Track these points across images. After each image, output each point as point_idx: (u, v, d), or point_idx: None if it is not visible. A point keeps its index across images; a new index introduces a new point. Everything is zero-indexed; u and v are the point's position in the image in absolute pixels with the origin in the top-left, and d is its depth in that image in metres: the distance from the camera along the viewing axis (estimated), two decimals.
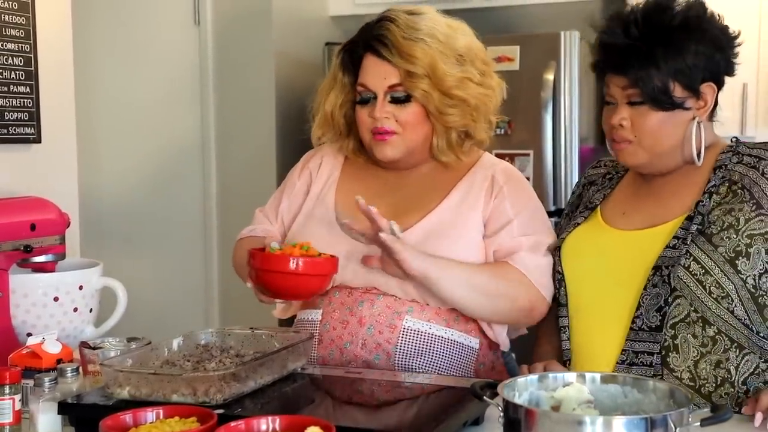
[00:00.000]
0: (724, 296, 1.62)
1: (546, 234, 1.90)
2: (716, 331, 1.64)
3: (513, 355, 2.03)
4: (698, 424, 1.22)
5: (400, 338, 1.81)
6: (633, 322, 1.68)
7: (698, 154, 1.71)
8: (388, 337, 1.81)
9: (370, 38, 1.85)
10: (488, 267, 1.84)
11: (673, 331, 1.65)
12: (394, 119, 1.84)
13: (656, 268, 1.67)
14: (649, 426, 1.17)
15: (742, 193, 1.67)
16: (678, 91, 1.67)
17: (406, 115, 1.84)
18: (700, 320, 1.64)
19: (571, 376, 1.39)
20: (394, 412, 1.59)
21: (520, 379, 1.37)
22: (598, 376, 1.38)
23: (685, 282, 1.63)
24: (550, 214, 3.63)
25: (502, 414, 1.26)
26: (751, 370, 1.64)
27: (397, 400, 1.63)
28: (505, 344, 1.92)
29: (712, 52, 1.69)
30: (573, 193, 2.02)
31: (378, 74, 1.84)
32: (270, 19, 3.90)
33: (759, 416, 1.49)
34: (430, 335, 1.83)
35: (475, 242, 1.86)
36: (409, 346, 1.82)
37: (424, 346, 1.82)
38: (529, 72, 3.66)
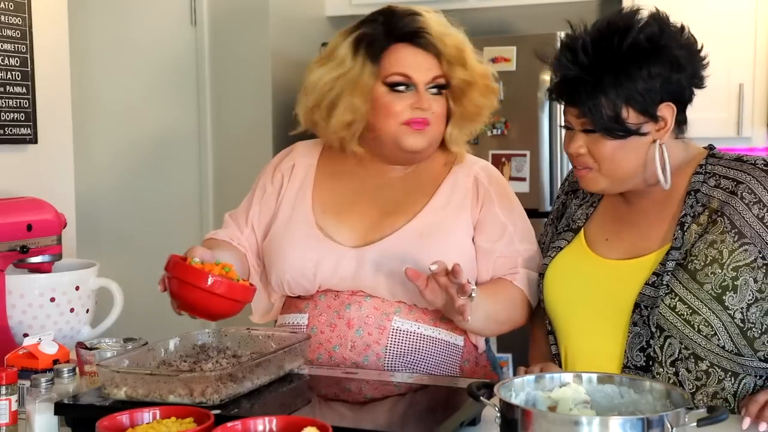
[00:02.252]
0: (713, 334, 1.60)
1: (534, 239, 1.94)
2: (708, 364, 1.62)
3: (491, 346, 2.06)
4: (694, 424, 1.22)
5: (390, 339, 1.82)
6: (624, 361, 1.66)
7: (665, 177, 1.65)
8: (377, 339, 1.81)
9: (406, 31, 1.84)
10: (502, 295, 1.85)
11: (674, 368, 1.64)
12: (430, 110, 1.85)
13: (636, 306, 1.65)
14: (645, 426, 1.17)
15: (722, 221, 1.63)
16: (632, 117, 1.60)
17: (438, 107, 1.86)
18: (691, 356, 1.62)
19: (567, 376, 1.39)
20: (391, 412, 1.59)
21: (517, 380, 1.37)
22: (594, 376, 1.39)
23: (672, 322, 1.61)
24: (546, 215, 3.66)
25: (498, 414, 1.26)
26: (750, 390, 1.63)
27: (393, 401, 1.62)
28: (481, 346, 1.96)
29: (669, 73, 1.60)
30: (557, 198, 1.98)
31: (421, 65, 1.84)
32: (267, 19, 3.90)
33: (747, 421, 1.49)
34: (418, 335, 1.83)
35: (464, 243, 1.87)
36: (398, 347, 1.82)
37: (413, 346, 1.83)
38: (525, 72, 3.67)
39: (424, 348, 1.84)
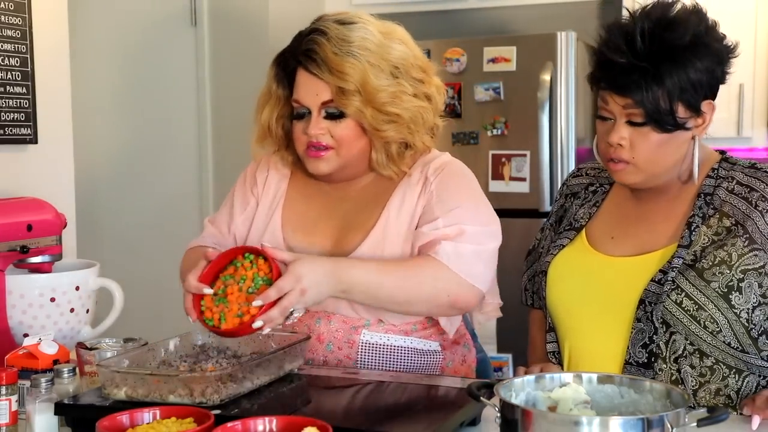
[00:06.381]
0: (718, 330, 1.61)
1: (479, 223, 1.79)
2: (713, 361, 1.63)
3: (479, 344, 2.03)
4: (695, 424, 1.22)
5: (360, 353, 1.81)
6: (626, 357, 1.67)
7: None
8: (347, 353, 1.80)
9: (300, 53, 1.77)
10: (398, 272, 1.72)
11: (677, 365, 1.64)
12: (329, 135, 1.77)
13: (641, 302, 1.65)
14: (645, 426, 1.17)
15: (736, 229, 1.63)
16: (681, 112, 1.60)
17: (341, 131, 1.77)
18: (696, 352, 1.63)
19: (567, 376, 1.39)
20: (391, 412, 1.59)
21: (517, 380, 1.37)
22: (594, 376, 1.38)
23: (678, 318, 1.61)
24: (546, 215, 3.66)
25: (498, 414, 1.26)
26: (753, 389, 1.64)
27: (393, 401, 1.62)
28: (450, 331, 1.86)
29: (714, 67, 1.62)
30: (555, 201, 1.96)
31: (310, 90, 1.77)
32: (266, 20, 3.91)
33: (756, 419, 1.49)
34: (389, 346, 1.82)
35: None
36: (370, 360, 1.81)
37: (385, 358, 1.81)
38: (525, 72, 3.67)
39: (398, 359, 1.82)
